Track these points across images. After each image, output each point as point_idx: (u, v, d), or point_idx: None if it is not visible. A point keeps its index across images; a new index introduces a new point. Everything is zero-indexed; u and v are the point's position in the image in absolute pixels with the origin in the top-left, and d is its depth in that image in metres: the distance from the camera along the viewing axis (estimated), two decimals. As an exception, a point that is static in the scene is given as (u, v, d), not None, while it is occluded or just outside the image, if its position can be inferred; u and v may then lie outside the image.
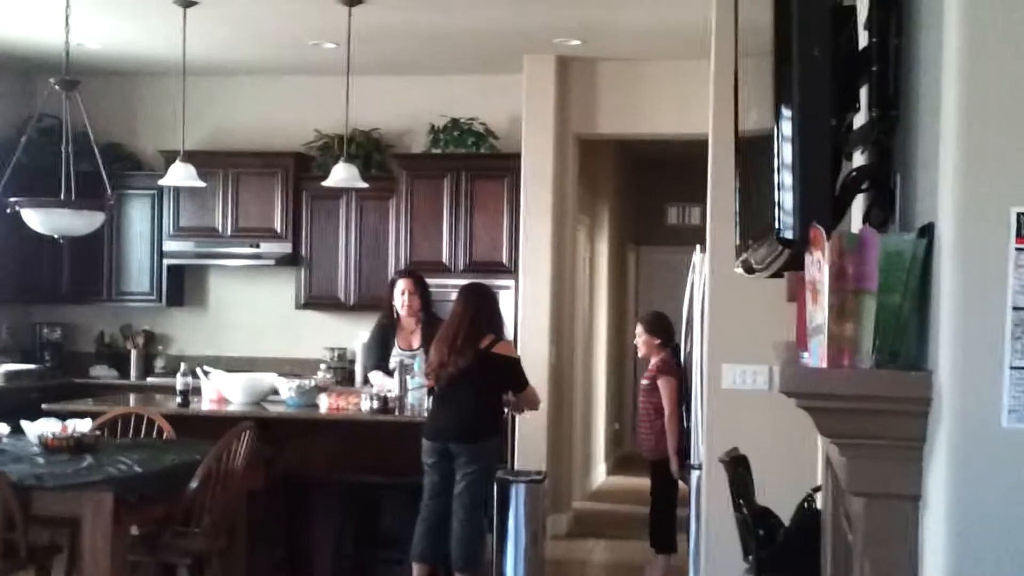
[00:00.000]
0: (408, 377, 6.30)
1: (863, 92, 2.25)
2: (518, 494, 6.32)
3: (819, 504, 3.08)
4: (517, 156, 7.99)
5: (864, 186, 2.24)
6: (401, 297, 6.61)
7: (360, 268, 8.40)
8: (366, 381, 7.00)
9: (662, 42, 7.45)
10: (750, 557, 3.30)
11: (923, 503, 1.80)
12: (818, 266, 1.86)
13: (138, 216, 8.65)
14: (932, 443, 1.75)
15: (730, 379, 5.50)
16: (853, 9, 2.37)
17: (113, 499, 4.42)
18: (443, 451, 5.75)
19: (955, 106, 1.67)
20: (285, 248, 8.45)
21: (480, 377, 5.74)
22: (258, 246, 8.46)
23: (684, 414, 6.44)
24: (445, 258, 8.15)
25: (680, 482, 6.73)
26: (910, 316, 1.80)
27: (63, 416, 5.41)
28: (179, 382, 6.51)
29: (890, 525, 1.83)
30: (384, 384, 6.45)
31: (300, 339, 8.64)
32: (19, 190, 5.82)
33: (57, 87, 5.68)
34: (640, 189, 12.19)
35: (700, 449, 5.74)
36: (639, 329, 6.94)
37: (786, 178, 2.05)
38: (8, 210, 5.67)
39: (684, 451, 6.34)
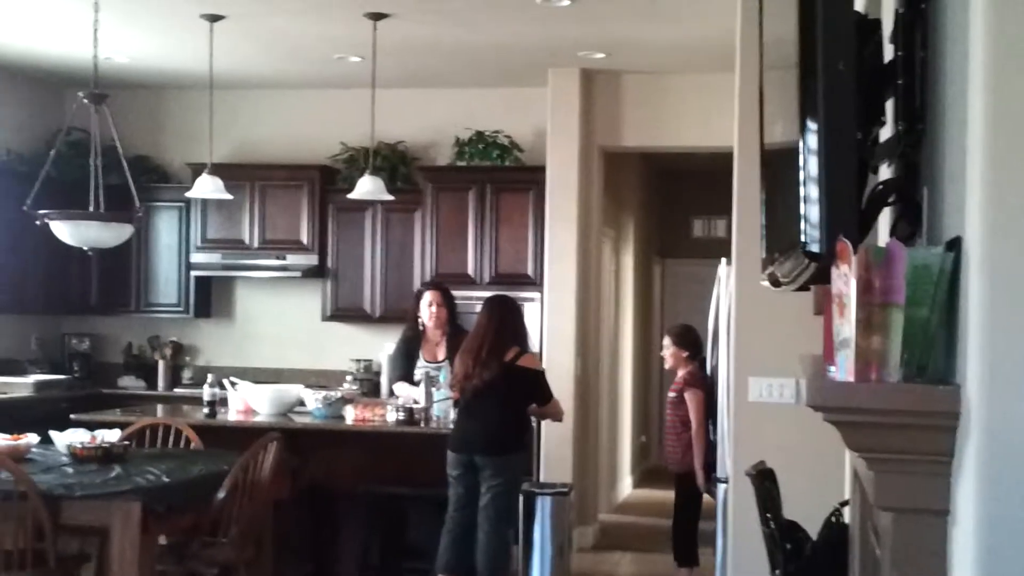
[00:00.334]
0: (434, 389, 6.32)
1: (889, 105, 2.25)
2: (544, 506, 6.32)
3: (847, 518, 3.07)
4: (542, 169, 8.00)
5: (891, 199, 2.23)
6: (428, 309, 6.62)
7: (386, 280, 8.42)
8: (392, 393, 7.02)
9: (687, 55, 7.45)
10: (777, 571, 3.29)
11: (952, 518, 1.79)
12: (845, 280, 1.85)
13: (166, 228, 8.71)
14: (960, 458, 1.74)
15: (756, 392, 5.48)
16: (878, 22, 2.37)
17: (141, 509, 4.45)
18: (468, 463, 5.75)
19: (981, 119, 1.67)
20: (311, 260, 8.49)
21: (505, 389, 5.74)
22: (284, 258, 8.50)
23: (711, 427, 6.43)
24: (471, 270, 8.16)
25: (705, 495, 6.71)
26: (938, 330, 1.79)
27: (92, 426, 5.45)
28: (206, 393, 6.55)
29: (919, 540, 1.82)
30: (410, 396, 6.46)
31: (326, 351, 8.67)
32: (48, 203, 5.87)
33: (86, 100, 5.73)
34: (665, 201, 12.17)
35: (726, 462, 5.72)
36: (667, 341, 6.94)
37: (812, 191, 2.05)
38: (38, 222, 5.72)
39: (710, 464, 6.33)
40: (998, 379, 1.63)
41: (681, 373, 6.77)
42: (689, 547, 6.78)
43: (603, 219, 8.51)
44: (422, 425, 6.25)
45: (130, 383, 8.67)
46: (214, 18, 6.70)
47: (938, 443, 1.76)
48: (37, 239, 6.80)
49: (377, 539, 6.55)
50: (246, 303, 8.98)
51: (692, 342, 6.85)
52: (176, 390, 8.58)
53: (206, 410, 6.52)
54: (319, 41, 7.33)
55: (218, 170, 7.23)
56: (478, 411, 5.76)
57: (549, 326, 7.89)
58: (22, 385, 7.89)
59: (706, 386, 6.59)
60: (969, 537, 1.66)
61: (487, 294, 6.42)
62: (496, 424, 5.76)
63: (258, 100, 8.85)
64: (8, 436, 5.07)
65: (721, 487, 5.87)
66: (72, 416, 6.36)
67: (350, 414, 6.40)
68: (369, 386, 8.20)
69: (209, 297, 8.92)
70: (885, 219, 2.53)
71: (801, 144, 2.08)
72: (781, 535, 3.21)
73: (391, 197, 7.44)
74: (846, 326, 1.84)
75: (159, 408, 7.33)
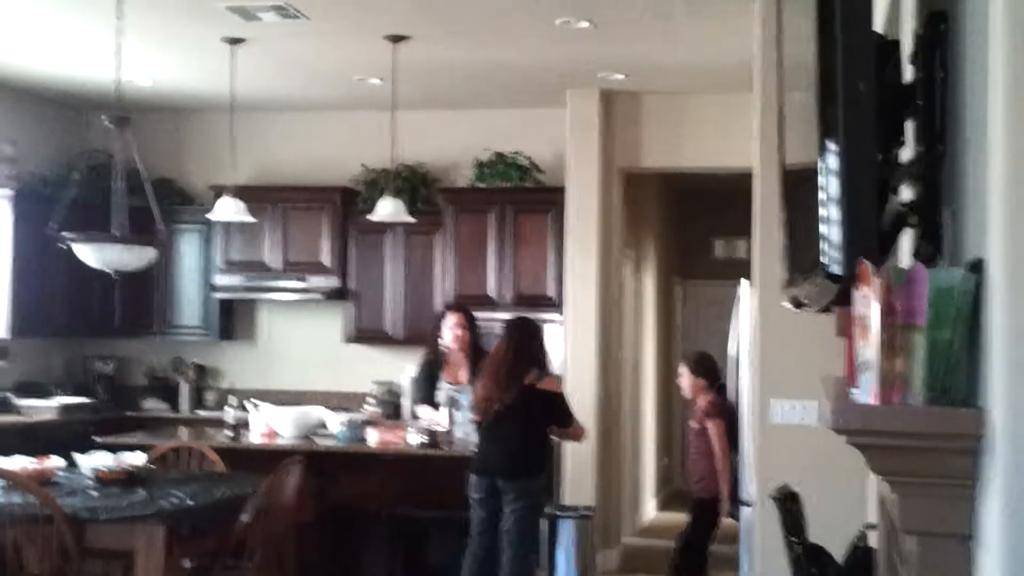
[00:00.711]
0: (456, 411, 6.31)
1: (909, 126, 2.25)
2: (567, 529, 6.31)
3: (872, 542, 3.05)
4: (562, 190, 8.01)
5: (912, 221, 2.23)
6: (451, 331, 6.61)
7: (407, 302, 8.44)
8: (414, 415, 7.02)
9: (706, 75, 7.46)
10: (801, 594, 3.26)
11: (977, 542, 1.78)
12: (866, 302, 1.85)
13: (188, 250, 8.75)
14: (985, 481, 1.73)
15: (779, 414, 5.46)
16: (898, 44, 2.37)
17: (165, 532, 4.46)
18: (490, 486, 5.74)
19: (1002, 139, 1.66)
20: (333, 282, 8.51)
21: (525, 412, 5.73)
22: (306, 280, 8.53)
23: (733, 455, 6.38)
24: (491, 292, 8.17)
25: (727, 519, 6.69)
26: (961, 352, 1.78)
27: (115, 449, 5.47)
28: (229, 415, 6.57)
29: (944, 564, 1.80)
30: (432, 418, 6.46)
31: (348, 373, 8.69)
32: (72, 225, 5.91)
33: (109, 123, 5.77)
34: (686, 222, 12.16)
35: (750, 485, 5.69)
36: (683, 369, 6.88)
37: (832, 213, 2.05)
38: (61, 245, 5.76)
39: (734, 491, 6.31)
40: (1022, 401, 1.62)
41: (701, 403, 6.71)
42: (699, 573, 6.76)
43: (623, 240, 8.51)
44: (444, 448, 6.25)
45: (153, 405, 8.70)
46: (235, 41, 6.75)
47: (962, 466, 1.75)
48: (60, 262, 6.86)
49: (399, 562, 6.54)
50: (268, 325, 9.01)
51: (708, 369, 6.80)
52: (199, 412, 8.61)
53: (229, 433, 6.54)
54: (340, 64, 7.37)
55: (240, 192, 7.28)
56: (499, 434, 5.75)
57: (570, 347, 7.88)
58: (47, 408, 7.93)
59: (727, 414, 6.55)
60: (995, 561, 1.65)
61: (507, 316, 6.42)
62: (517, 447, 5.74)
63: (279, 122, 8.90)
64: (33, 459, 5.09)
65: (745, 510, 5.84)
66: (96, 439, 6.39)
67: (373, 437, 6.41)
68: (391, 408, 8.20)
69: (232, 319, 8.95)
70: (906, 241, 2.52)
71: (821, 165, 2.08)
72: (807, 559, 3.19)
73: (412, 219, 7.46)
74: (868, 348, 1.83)
75: (182, 430, 7.35)
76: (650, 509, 10.53)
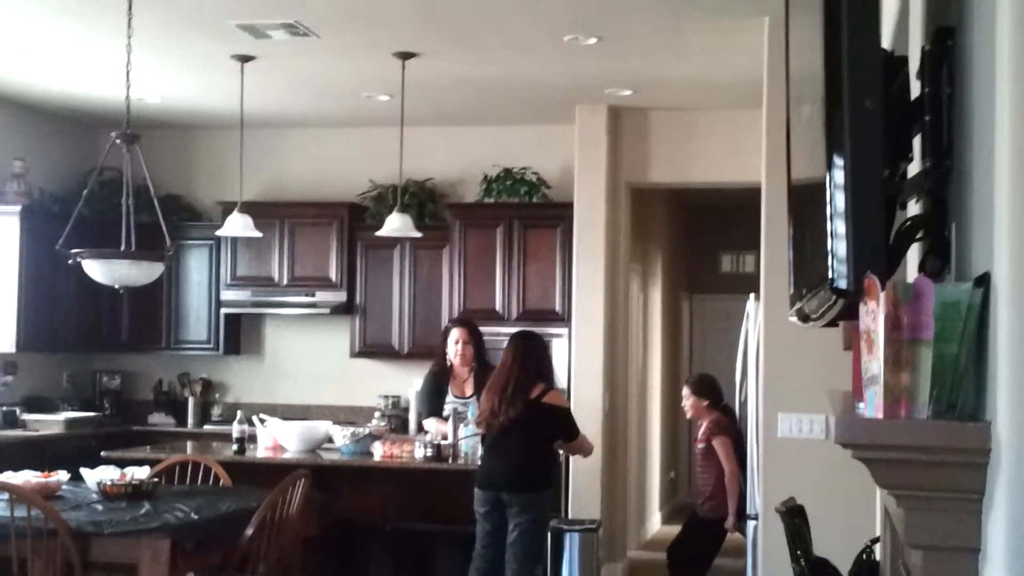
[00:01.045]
0: (461, 425, 6.31)
1: (916, 141, 2.25)
2: (572, 543, 6.30)
3: (878, 556, 3.04)
4: (569, 205, 8.02)
5: (919, 235, 2.23)
6: (455, 346, 6.63)
7: (414, 317, 8.44)
8: (420, 429, 7.02)
9: (713, 92, 7.47)
10: (808, 609, 3.26)
11: (983, 556, 1.78)
12: (873, 316, 1.85)
13: (196, 266, 8.77)
14: (991, 495, 1.72)
15: (786, 428, 5.46)
16: (905, 59, 2.38)
17: (170, 546, 4.46)
18: (495, 500, 5.74)
19: (1009, 154, 1.67)
20: (340, 297, 8.53)
21: (530, 427, 5.72)
22: (314, 295, 8.54)
23: (740, 472, 6.39)
24: (498, 306, 8.17)
25: (724, 539, 6.70)
26: (967, 366, 1.78)
27: (121, 463, 5.47)
28: (235, 430, 6.57)
29: (950, 578, 1.80)
30: (439, 432, 6.46)
31: (355, 387, 8.69)
32: (81, 242, 5.93)
33: (118, 141, 5.80)
34: (693, 237, 12.16)
35: (756, 499, 5.68)
36: (685, 391, 6.95)
37: (839, 227, 2.05)
38: (70, 261, 5.78)
39: (741, 506, 6.30)
40: (1028, 415, 1.62)
41: (705, 423, 6.74)
42: None
43: (631, 255, 8.51)
44: (450, 461, 6.25)
45: (160, 420, 8.71)
46: (245, 59, 6.78)
47: (968, 480, 1.75)
48: (69, 278, 6.88)
49: (405, 575, 6.53)
50: (275, 340, 9.02)
51: (711, 390, 6.86)
52: (205, 427, 8.61)
53: (235, 447, 6.54)
54: (349, 80, 7.39)
55: (248, 208, 7.29)
56: (504, 448, 5.75)
57: (577, 362, 7.87)
58: (53, 422, 7.94)
59: (733, 432, 6.56)
60: (1001, 575, 1.65)
61: (515, 330, 6.42)
62: (522, 461, 5.74)
63: (287, 139, 8.93)
64: (39, 473, 5.10)
65: (751, 524, 5.83)
66: (102, 453, 6.39)
67: (378, 450, 6.41)
68: (397, 422, 8.20)
69: (239, 334, 8.97)
70: (913, 255, 2.53)
71: (828, 180, 2.08)
72: (812, 572, 3.19)
73: (419, 234, 7.47)
74: (874, 363, 1.83)
75: (188, 445, 7.36)
76: (655, 523, 10.50)
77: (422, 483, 6.28)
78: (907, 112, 2.20)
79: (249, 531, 4.83)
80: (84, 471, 5.25)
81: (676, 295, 11.71)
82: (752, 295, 6.24)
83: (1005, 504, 1.64)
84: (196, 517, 4.70)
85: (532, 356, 5.86)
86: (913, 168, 2.33)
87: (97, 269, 5.78)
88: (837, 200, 2.06)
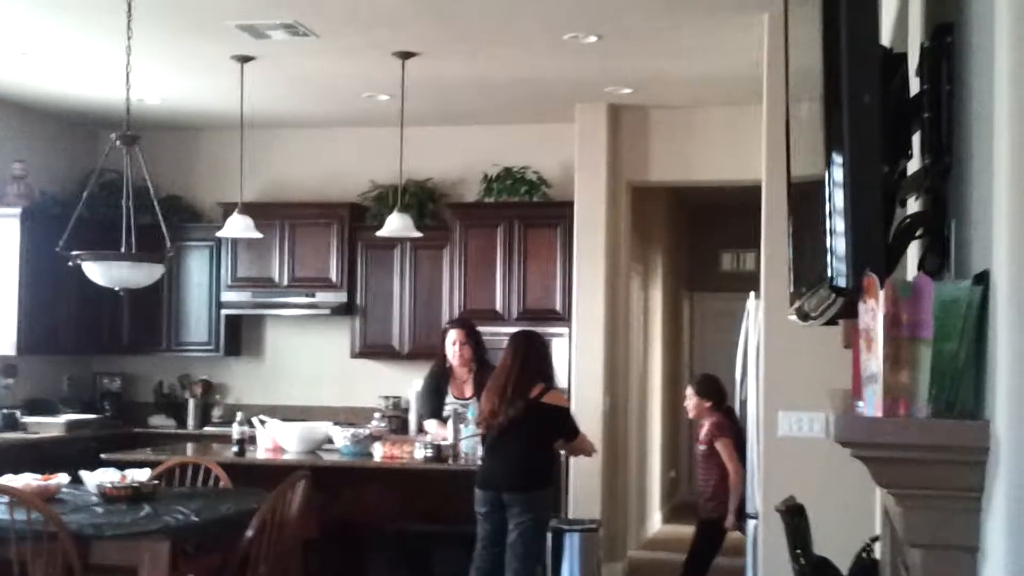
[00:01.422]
0: (461, 425, 6.31)
1: (915, 139, 2.24)
2: (573, 543, 6.29)
3: (878, 554, 3.03)
4: (570, 204, 8.01)
5: (918, 233, 2.22)
6: (453, 347, 6.63)
7: (415, 317, 8.44)
8: (420, 430, 7.02)
9: (713, 89, 7.46)
10: (809, 608, 3.25)
11: (982, 554, 1.77)
12: (872, 314, 1.84)
13: (196, 267, 8.77)
14: (990, 493, 1.72)
15: (786, 426, 5.45)
16: (904, 56, 2.37)
17: (170, 548, 4.45)
18: (495, 500, 5.73)
19: (1008, 152, 1.66)
20: (340, 297, 8.52)
21: (530, 427, 5.72)
22: (314, 296, 8.54)
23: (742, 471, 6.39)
24: (499, 306, 8.16)
25: (724, 538, 6.70)
26: (966, 365, 1.78)
27: (122, 466, 5.47)
28: (235, 431, 6.57)
29: (949, 577, 1.80)
30: (439, 432, 6.46)
31: (355, 388, 8.68)
32: (81, 243, 5.92)
33: (118, 143, 5.79)
34: (694, 235, 12.15)
35: (756, 498, 5.68)
36: (689, 391, 6.95)
37: (838, 225, 2.04)
38: (70, 263, 5.78)
39: (741, 506, 6.30)
40: (1028, 413, 1.62)
41: (707, 425, 6.73)
42: None
43: (631, 253, 8.51)
44: (450, 462, 6.24)
45: (160, 422, 8.71)
46: (245, 59, 6.77)
47: (967, 479, 1.75)
48: (69, 280, 6.87)
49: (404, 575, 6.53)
50: (276, 341, 9.01)
51: (714, 391, 6.84)
52: (206, 428, 8.61)
53: (235, 448, 6.53)
54: (348, 80, 7.39)
55: (248, 209, 7.29)
56: (504, 448, 5.74)
57: (577, 361, 7.87)
58: (53, 425, 7.93)
59: (735, 433, 6.55)
60: (999, 573, 1.64)
61: (515, 330, 6.41)
62: (522, 461, 5.73)
63: (288, 139, 8.93)
64: (39, 476, 5.09)
65: (751, 523, 5.82)
66: (102, 455, 6.39)
67: (378, 451, 6.40)
68: (398, 423, 8.19)
69: (239, 335, 8.96)
70: (913, 253, 2.52)
71: (827, 178, 2.08)
72: (812, 571, 3.18)
73: (419, 234, 7.47)
74: (873, 361, 1.82)
75: (189, 447, 7.35)
76: (656, 522, 10.50)
77: (422, 484, 6.27)
78: (906, 109, 2.20)
79: (249, 533, 4.82)
80: (84, 474, 5.24)
81: (676, 294, 11.71)
82: (752, 293, 6.24)
83: (1004, 502, 1.63)
84: (196, 519, 4.70)
85: (532, 356, 5.85)
86: (912, 165, 2.32)
87: (97, 271, 5.77)
88: (836, 197, 2.05)
